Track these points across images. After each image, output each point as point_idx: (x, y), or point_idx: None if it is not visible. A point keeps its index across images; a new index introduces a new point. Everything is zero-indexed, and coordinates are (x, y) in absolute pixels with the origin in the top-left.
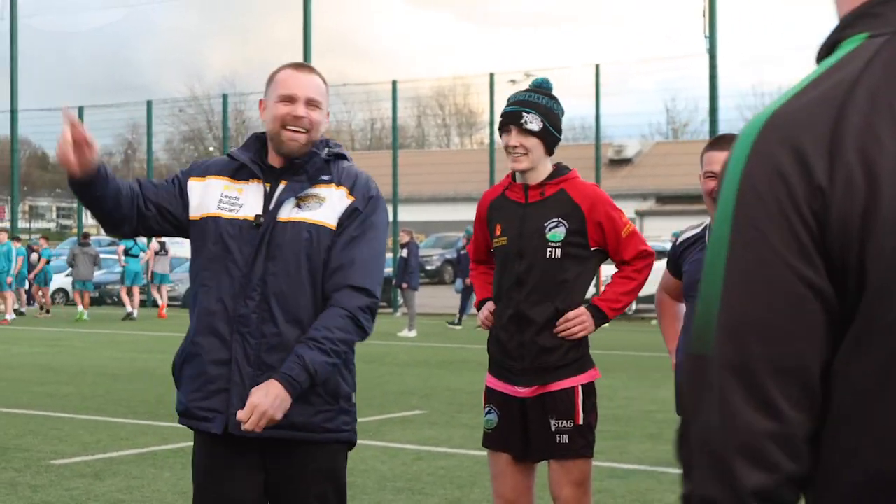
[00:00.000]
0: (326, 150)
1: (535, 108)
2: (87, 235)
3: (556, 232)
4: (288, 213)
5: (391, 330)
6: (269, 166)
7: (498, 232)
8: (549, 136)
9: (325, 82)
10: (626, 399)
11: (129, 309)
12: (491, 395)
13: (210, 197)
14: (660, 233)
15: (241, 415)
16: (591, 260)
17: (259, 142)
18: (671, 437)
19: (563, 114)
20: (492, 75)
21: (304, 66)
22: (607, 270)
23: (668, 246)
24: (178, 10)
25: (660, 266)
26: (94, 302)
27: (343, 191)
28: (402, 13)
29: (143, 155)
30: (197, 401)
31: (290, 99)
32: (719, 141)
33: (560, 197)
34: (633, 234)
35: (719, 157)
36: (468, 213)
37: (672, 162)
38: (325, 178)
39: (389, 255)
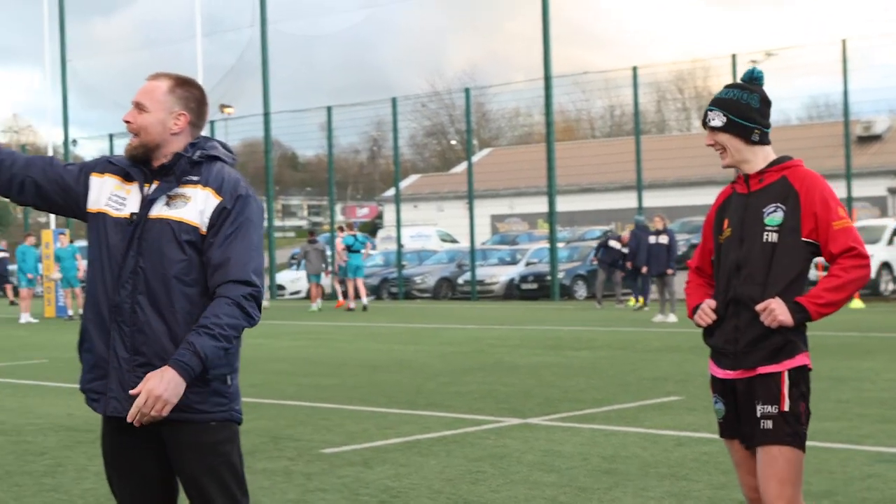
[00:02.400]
0: (199, 152)
1: (719, 104)
2: (312, 233)
3: (774, 216)
4: (157, 210)
5: (641, 317)
6: (150, 169)
7: (725, 225)
8: (737, 128)
9: (175, 84)
10: (889, 381)
11: (350, 304)
12: (714, 384)
13: (103, 195)
14: None
15: (138, 400)
16: (804, 250)
17: None
18: None
19: (762, 102)
20: (734, 56)
21: (154, 73)
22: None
23: None
24: (418, 8)
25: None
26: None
27: (209, 191)
28: None
29: (389, 151)
30: (88, 381)
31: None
32: None
33: (780, 183)
34: (847, 230)
35: None
36: (711, 197)
37: None
38: (193, 178)
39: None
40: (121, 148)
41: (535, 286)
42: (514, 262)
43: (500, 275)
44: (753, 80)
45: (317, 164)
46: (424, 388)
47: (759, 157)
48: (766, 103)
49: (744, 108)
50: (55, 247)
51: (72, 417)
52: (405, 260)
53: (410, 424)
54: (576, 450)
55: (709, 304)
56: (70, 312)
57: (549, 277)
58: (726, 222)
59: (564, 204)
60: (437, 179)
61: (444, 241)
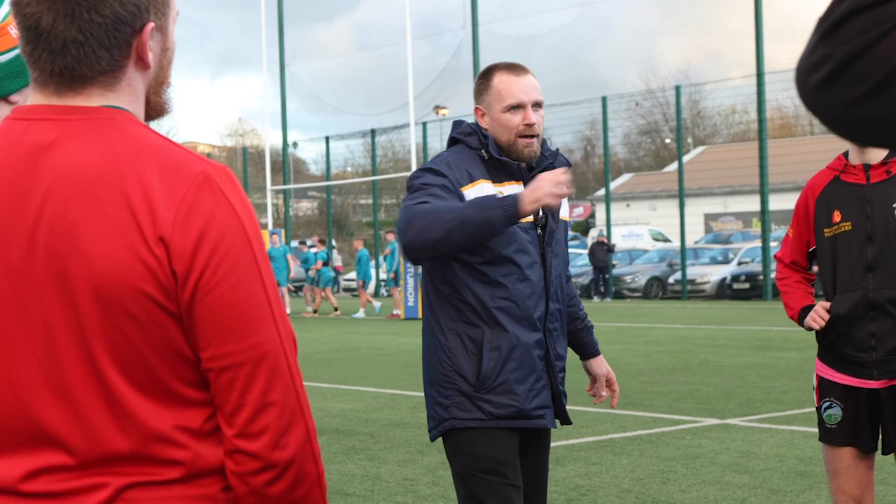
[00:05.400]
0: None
1: None
2: None
3: None
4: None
5: None
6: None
7: (837, 218)
8: None
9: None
10: None
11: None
12: (830, 388)
13: None
14: None
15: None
16: None
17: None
18: None
19: None
20: None
21: (518, 66)
22: None
23: None
24: (631, 5)
25: None
26: None
27: None
28: None
29: (601, 150)
30: (530, 400)
31: (517, 108)
32: None
33: None
34: None
35: None
36: None
37: None
38: None
39: None
40: (340, 150)
41: (746, 286)
42: (726, 261)
43: (712, 274)
44: None
45: None
46: (625, 386)
47: None
48: None
49: None
50: (269, 247)
51: None
52: (616, 259)
53: (607, 423)
54: (772, 451)
55: (823, 307)
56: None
57: (761, 277)
58: (837, 214)
59: (779, 202)
60: (651, 178)
61: (656, 240)
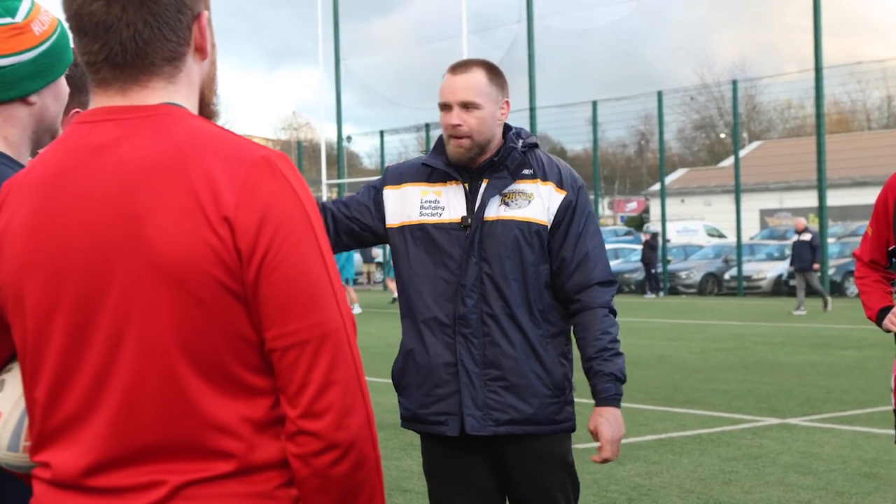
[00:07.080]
0: (522, 141)
1: None
2: None
3: None
4: (495, 211)
5: None
6: (465, 167)
7: None
8: None
9: (489, 72)
10: None
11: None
12: None
13: (410, 205)
14: None
15: (606, 453)
16: None
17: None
18: None
19: None
20: None
21: (460, 65)
22: None
23: None
24: (687, 1)
25: None
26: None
27: (550, 186)
28: None
29: (657, 145)
30: (427, 406)
31: (445, 107)
32: None
33: None
34: None
35: None
36: None
37: None
38: (527, 172)
39: None
40: (394, 144)
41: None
42: (782, 257)
43: (768, 270)
44: None
45: (584, 158)
46: (683, 384)
47: None
48: None
49: None
50: None
51: None
52: (670, 255)
53: (666, 422)
54: (835, 452)
55: None
56: None
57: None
58: None
59: (836, 198)
60: (706, 173)
61: (711, 235)
